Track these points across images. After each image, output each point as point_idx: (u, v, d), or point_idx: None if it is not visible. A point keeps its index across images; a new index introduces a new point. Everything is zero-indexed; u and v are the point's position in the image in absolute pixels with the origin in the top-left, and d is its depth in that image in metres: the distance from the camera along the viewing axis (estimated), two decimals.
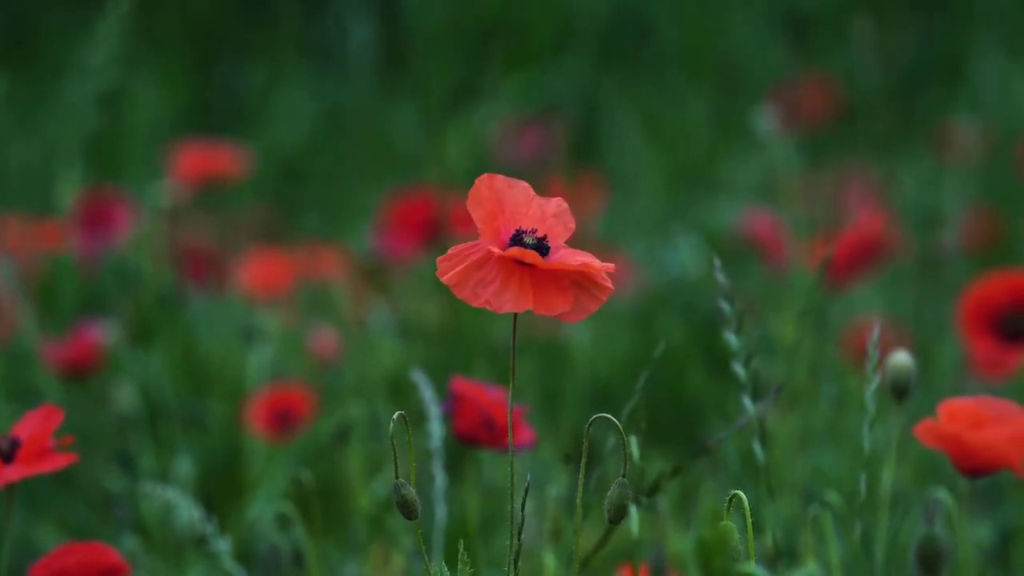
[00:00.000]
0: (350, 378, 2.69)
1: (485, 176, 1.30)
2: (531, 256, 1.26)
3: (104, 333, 2.52)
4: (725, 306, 1.51)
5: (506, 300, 1.26)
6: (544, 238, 1.29)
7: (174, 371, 2.65)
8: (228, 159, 3.23)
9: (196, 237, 3.45)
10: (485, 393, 1.61)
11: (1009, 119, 4.56)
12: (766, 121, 2.79)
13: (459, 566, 1.29)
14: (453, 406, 1.62)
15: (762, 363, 2.37)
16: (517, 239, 1.29)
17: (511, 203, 1.30)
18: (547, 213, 1.31)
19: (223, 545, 1.61)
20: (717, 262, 1.50)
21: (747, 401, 1.51)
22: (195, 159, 3.20)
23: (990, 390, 2.41)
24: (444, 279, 1.27)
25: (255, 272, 3.26)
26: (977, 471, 1.48)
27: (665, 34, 5.46)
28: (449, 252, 1.28)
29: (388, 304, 2.98)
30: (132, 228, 3.12)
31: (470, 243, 1.29)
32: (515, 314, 1.28)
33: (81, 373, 2.49)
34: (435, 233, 3.02)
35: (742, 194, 4.09)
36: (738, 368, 1.51)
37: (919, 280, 3.29)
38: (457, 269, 1.27)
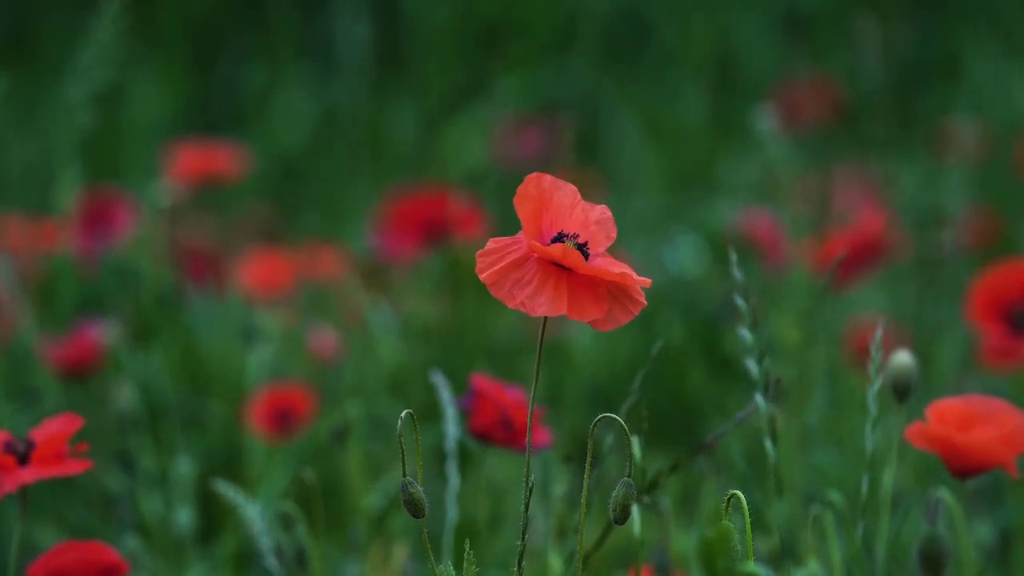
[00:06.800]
0: (350, 378, 2.68)
1: (534, 175, 1.27)
2: (573, 257, 1.24)
3: (104, 333, 2.52)
4: (740, 302, 1.50)
5: (540, 303, 1.24)
6: (585, 244, 1.27)
7: (174, 371, 2.65)
8: (226, 159, 3.23)
9: (196, 237, 3.45)
10: (505, 392, 1.60)
11: (1008, 118, 4.56)
12: (766, 121, 2.79)
13: (464, 565, 1.28)
14: (471, 403, 1.60)
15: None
16: (558, 242, 1.26)
17: (556, 205, 1.28)
18: (590, 219, 1.28)
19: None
20: (733, 258, 1.49)
21: (759, 398, 1.51)
22: (193, 159, 3.20)
23: (990, 389, 2.41)
24: (482, 277, 1.25)
25: (255, 272, 3.26)
26: (969, 472, 1.47)
27: (665, 34, 5.46)
28: (487, 247, 1.26)
29: (388, 304, 2.97)
30: (132, 228, 3.11)
31: (509, 239, 1.27)
32: (544, 318, 1.25)
33: (81, 373, 2.49)
34: (435, 233, 3.02)
35: (741, 194, 4.09)
36: (751, 365, 1.50)
37: (919, 280, 3.29)
38: (495, 268, 1.25)
